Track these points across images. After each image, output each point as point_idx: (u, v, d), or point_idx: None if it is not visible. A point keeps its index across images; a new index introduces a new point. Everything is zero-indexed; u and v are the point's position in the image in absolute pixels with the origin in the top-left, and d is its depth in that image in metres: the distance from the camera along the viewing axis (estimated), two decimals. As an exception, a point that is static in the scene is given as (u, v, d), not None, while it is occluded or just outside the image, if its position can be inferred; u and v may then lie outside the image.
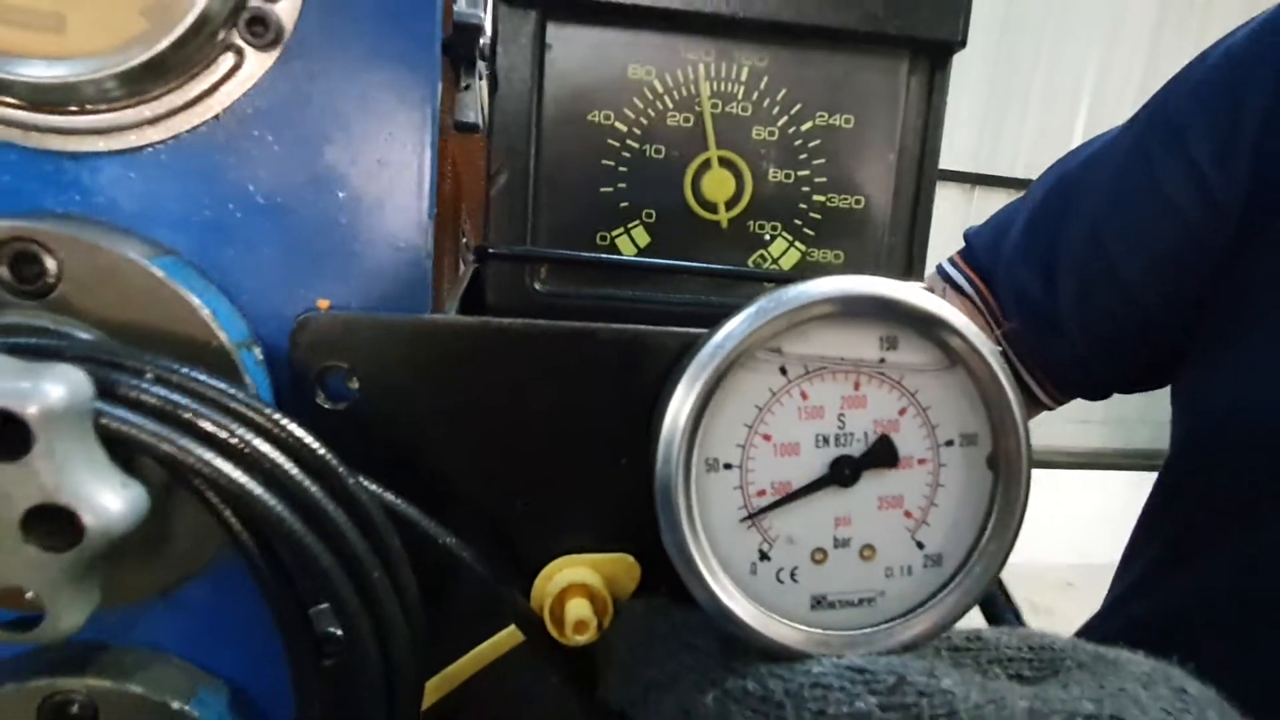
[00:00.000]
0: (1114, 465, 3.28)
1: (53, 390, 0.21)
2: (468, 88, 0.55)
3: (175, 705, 0.30)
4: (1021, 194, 0.69)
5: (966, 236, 0.69)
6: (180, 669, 0.32)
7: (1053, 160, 0.67)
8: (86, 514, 0.22)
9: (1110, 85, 3.32)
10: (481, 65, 0.61)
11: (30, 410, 0.21)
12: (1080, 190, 0.62)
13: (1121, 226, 0.58)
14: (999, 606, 0.32)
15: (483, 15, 0.52)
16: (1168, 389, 0.65)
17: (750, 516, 0.26)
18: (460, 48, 0.34)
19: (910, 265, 0.36)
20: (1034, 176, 0.68)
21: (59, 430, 0.21)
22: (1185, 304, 0.59)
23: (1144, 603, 0.62)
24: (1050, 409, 0.68)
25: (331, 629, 0.29)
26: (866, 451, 0.27)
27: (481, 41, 0.55)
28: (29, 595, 0.23)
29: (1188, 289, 0.59)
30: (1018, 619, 0.32)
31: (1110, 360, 0.63)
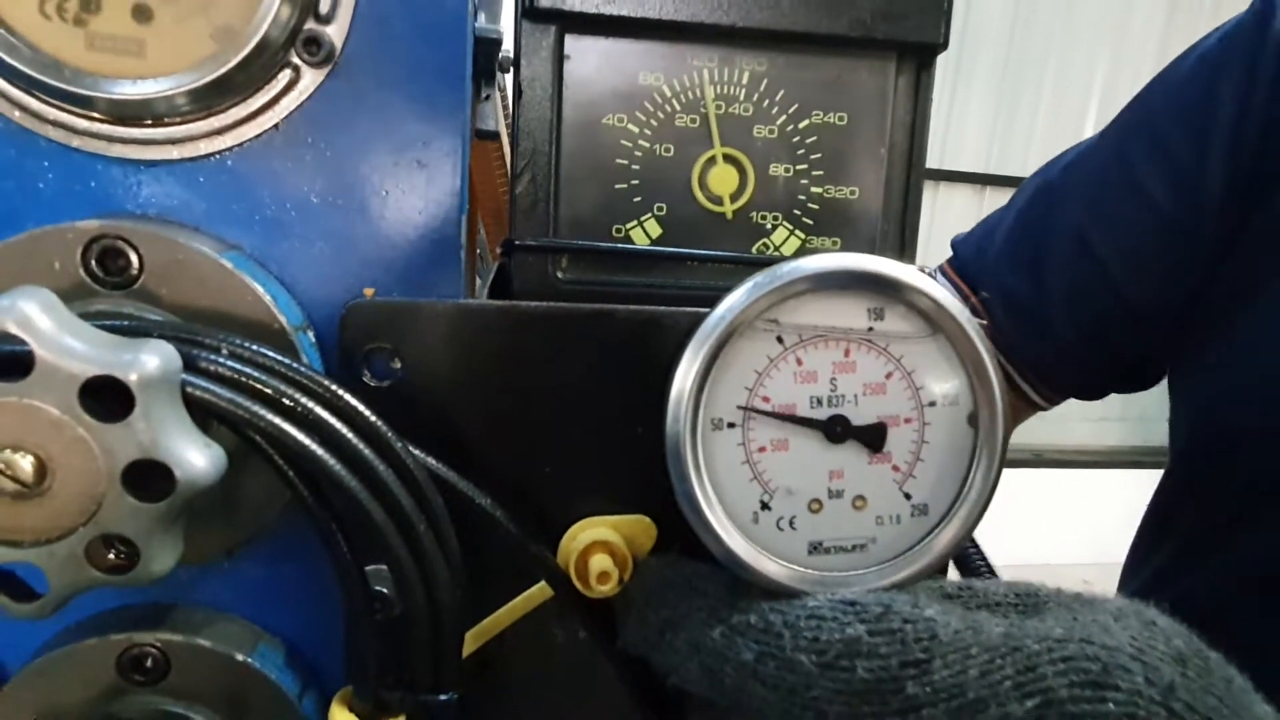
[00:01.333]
0: (1132, 463, 3.27)
1: (150, 360, 0.25)
2: (487, 98, 0.59)
3: (239, 657, 0.34)
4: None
5: (954, 245, 0.70)
6: (242, 626, 0.35)
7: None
8: (177, 468, 0.25)
9: (1120, 84, 3.32)
10: (500, 77, 0.64)
11: (132, 377, 0.24)
12: (1063, 195, 0.63)
13: (1107, 228, 0.60)
14: (973, 562, 0.35)
15: (501, 30, 0.56)
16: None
17: (746, 409, 0.29)
18: (480, 61, 0.38)
19: (902, 249, 0.39)
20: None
21: (155, 395, 0.25)
22: (1175, 302, 0.60)
23: (1159, 601, 0.63)
24: (1044, 409, 0.69)
25: (381, 589, 0.32)
26: (861, 428, 0.30)
27: (499, 55, 0.58)
28: (110, 556, 0.26)
29: (1177, 287, 0.60)
30: (990, 572, 0.35)
31: (1103, 360, 0.64)
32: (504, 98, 0.69)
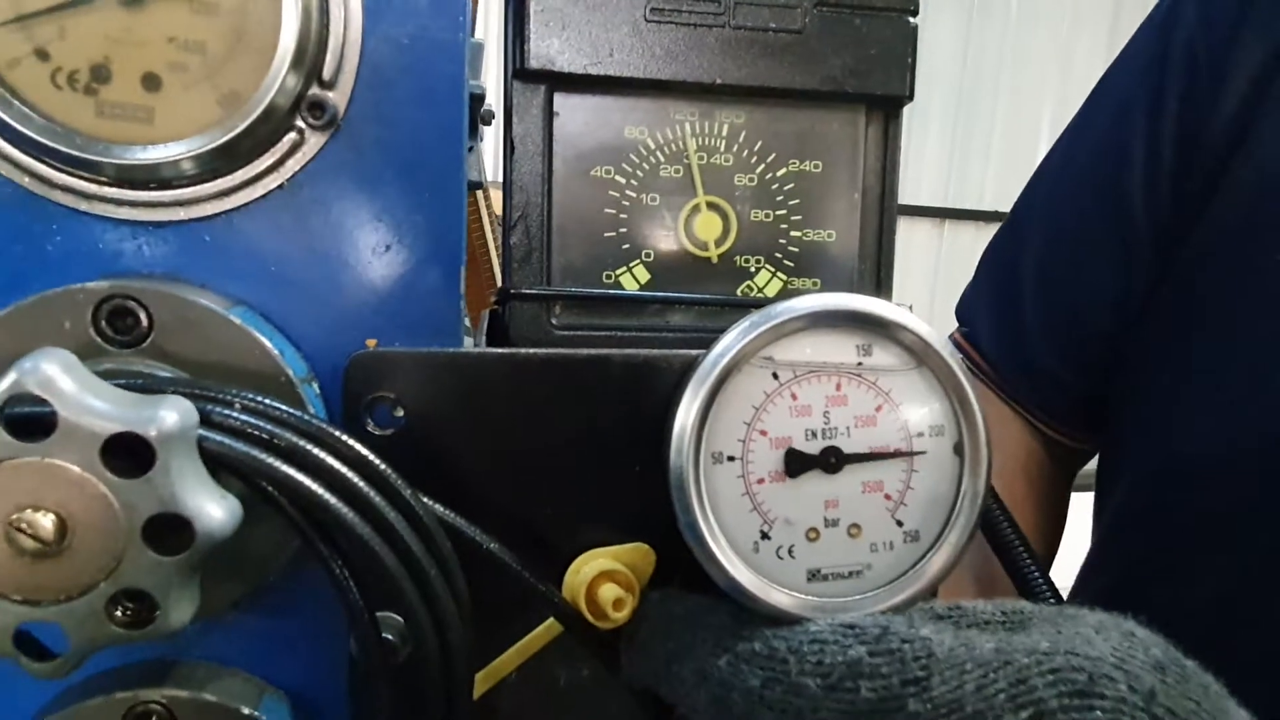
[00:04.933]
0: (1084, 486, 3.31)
1: (169, 415, 0.25)
2: (470, 150, 0.61)
3: (245, 711, 0.34)
4: (986, 224, 0.72)
5: (957, 313, 0.70)
6: (246, 680, 0.35)
7: (1017, 190, 0.69)
8: (196, 521, 0.26)
9: (1068, 114, 3.47)
10: (483, 129, 0.66)
11: (152, 432, 0.25)
12: (1025, 223, 0.65)
13: (1063, 258, 0.61)
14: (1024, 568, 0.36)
15: (483, 86, 0.58)
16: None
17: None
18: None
19: (879, 287, 0.41)
20: (1000, 208, 0.72)
21: (174, 449, 0.25)
22: (1133, 324, 0.60)
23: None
24: (1089, 451, 0.67)
25: (390, 636, 0.32)
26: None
27: (482, 109, 0.60)
28: (127, 613, 0.27)
29: (1129, 309, 0.60)
30: (1051, 589, 0.36)
31: (1098, 388, 0.64)
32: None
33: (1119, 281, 0.60)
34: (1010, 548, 0.40)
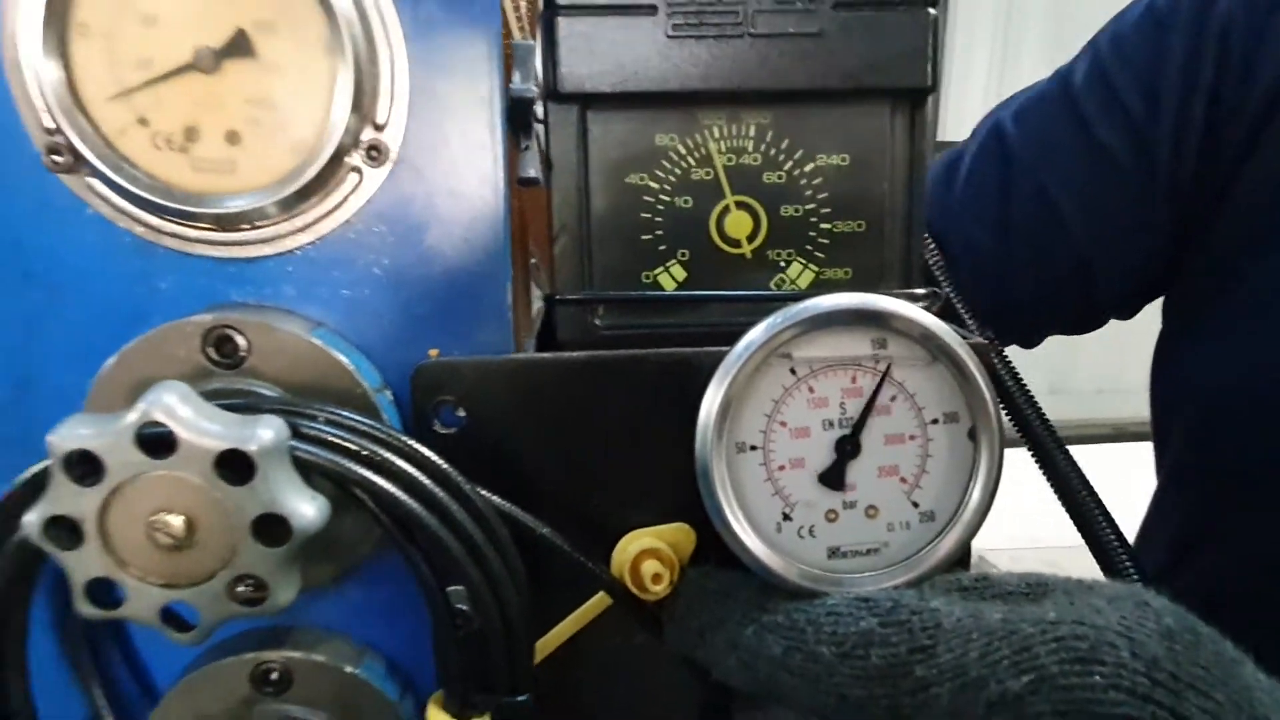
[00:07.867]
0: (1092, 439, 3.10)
1: (266, 433, 0.30)
2: (526, 148, 0.64)
3: (349, 670, 0.39)
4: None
5: None
6: (349, 643, 0.41)
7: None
8: (293, 518, 0.31)
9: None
10: (537, 128, 0.69)
11: (253, 448, 0.30)
12: (1020, 148, 0.63)
13: (1070, 187, 0.60)
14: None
15: (534, 89, 0.61)
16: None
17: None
18: (518, 117, 0.42)
19: (909, 275, 0.42)
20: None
21: (271, 461, 0.30)
22: (1133, 265, 0.60)
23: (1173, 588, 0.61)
24: None
25: (462, 606, 0.37)
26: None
27: (535, 107, 0.63)
28: (243, 592, 0.32)
29: (1135, 249, 0.60)
30: (1135, 563, 0.38)
31: (1052, 317, 0.66)
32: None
33: (1142, 215, 0.59)
34: (1091, 521, 0.41)
